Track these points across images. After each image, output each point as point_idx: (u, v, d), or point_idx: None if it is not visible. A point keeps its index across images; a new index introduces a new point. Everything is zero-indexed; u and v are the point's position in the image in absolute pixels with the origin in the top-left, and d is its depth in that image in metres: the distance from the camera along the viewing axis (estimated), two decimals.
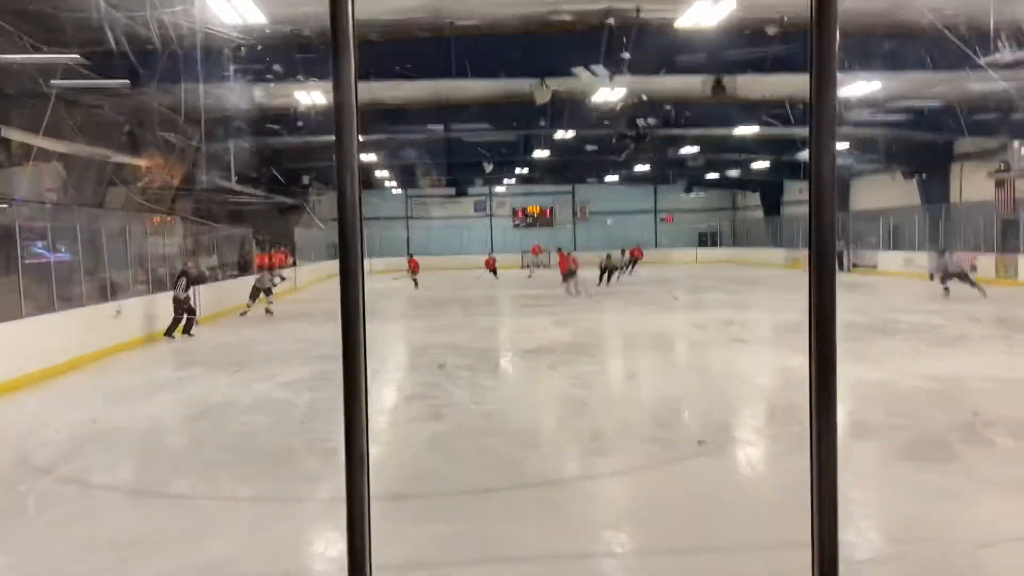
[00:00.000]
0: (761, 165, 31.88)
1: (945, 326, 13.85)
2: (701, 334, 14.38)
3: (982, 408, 7.67)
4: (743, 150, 27.67)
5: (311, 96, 15.45)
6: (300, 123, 18.63)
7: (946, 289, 18.32)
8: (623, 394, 9.44)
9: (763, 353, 12.25)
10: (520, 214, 44.40)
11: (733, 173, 35.23)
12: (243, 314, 18.71)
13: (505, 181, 39.82)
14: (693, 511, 5.17)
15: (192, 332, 15.07)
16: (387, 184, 38.01)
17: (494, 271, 30.10)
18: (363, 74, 13.98)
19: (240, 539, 4.90)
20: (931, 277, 19.46)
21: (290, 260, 29.30)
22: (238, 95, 15.77)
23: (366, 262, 1.46)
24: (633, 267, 30.03)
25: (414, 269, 27.85)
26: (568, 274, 21.82)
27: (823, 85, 1.70)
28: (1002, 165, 24.03)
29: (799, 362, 9.42)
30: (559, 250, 26.66)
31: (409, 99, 19.10)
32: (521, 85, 16.24)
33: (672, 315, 17.65)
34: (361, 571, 1.64)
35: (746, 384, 9.62)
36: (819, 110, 1.71)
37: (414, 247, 40.87)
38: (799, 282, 21.33)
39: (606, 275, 24.81)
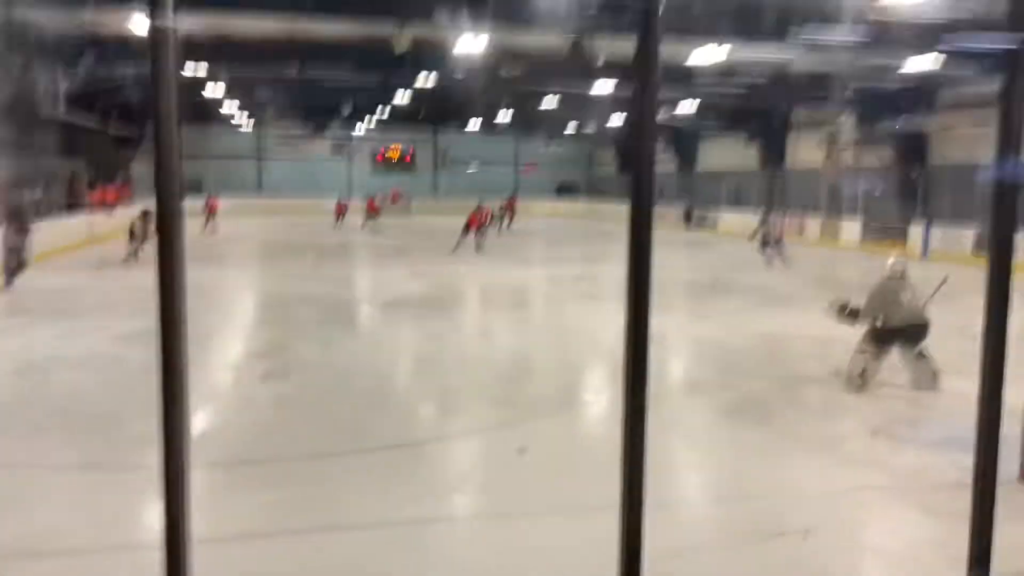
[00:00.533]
0: (617, 124, 32.73)
1: (776, 287, 14.93)
2: (555, 289, 14.78)
3: (801, 365, 8.40)
4: (599, 108, 28.25)
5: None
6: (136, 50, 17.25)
7: (767, 259, 18.38)
8: (475, 352, 9.58)
9: (612, 310, 12.75)
10: (380, 157, 43.44)
11: (590, 128, 35.99)
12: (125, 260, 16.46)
13: (365, 124, 38.75)
14: (540, 472, 5.38)
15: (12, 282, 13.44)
16: (237, 121, 36.07)
17: (341, 216, 29.22)
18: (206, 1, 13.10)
19: (64, 509, 4.64)
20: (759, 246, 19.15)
21: (127, 196, 27.30)
22: (69, 18, 14.37)
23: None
24: (511, 221, 29.47)
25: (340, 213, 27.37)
26: (478, 229, 20.54)
27: (646, 51, 1.81)
28: (831, 134, 25.93)
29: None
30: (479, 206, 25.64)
31: (263, 35, 18.07)
32: (382, 29, 15.75)
33: (528, 269, 18.00)
34: (177, 547, 1.60)
35: (594, 342, 10.00)
36: (642, 77, 1.82)
37: (266, 187, 39.23)
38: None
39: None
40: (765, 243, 18.59)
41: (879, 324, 7.15)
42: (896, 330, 7.12)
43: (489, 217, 21.09)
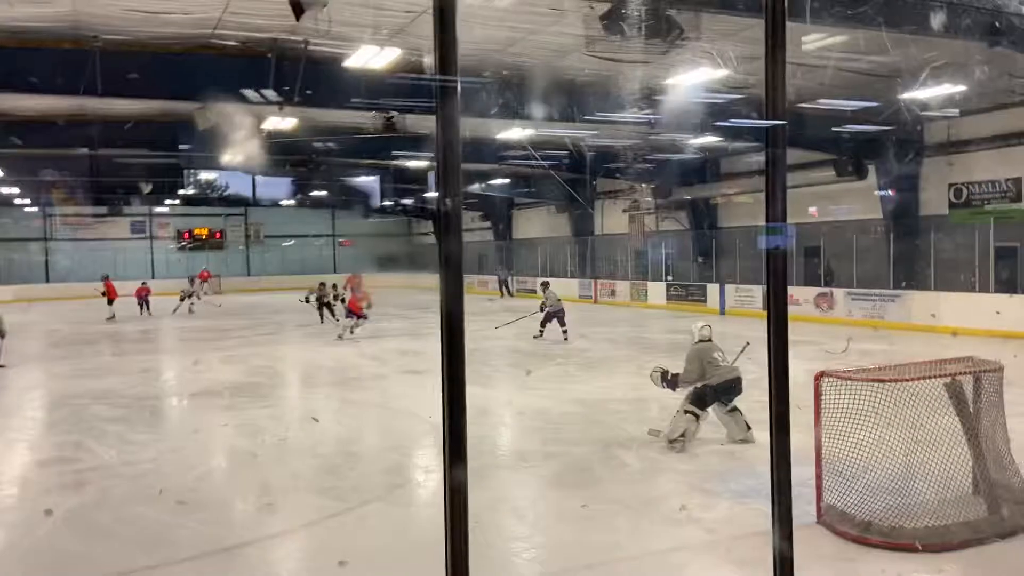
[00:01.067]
0: (433, 194, 33.30)
1: (591, 349, 15.54)
2: (378, 366, 14.50)
3: (620, 428, 8.72)
4: (416, 180, 28.70)
5: None
6: None
7: (541, 332, 16.85)
8: (295, 440, 9.13)
9: (437, 384, 12.67)
10: (187, 236, 41.28)
11: (407, 201, 36.37)
12: None
13: (167, 201, 36.83)
14: (367, 565, 5.14)
15: None
16: (19, 202, 33.09)
17: (145, 302, 26.51)
18: None
19: None
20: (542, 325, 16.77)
21: None
22: None
23: None
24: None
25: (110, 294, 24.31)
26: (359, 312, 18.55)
27: (447, 126, 1.85)
28: (633, 202, 27.83)
29: (471, 391, 9.93)
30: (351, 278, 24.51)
31: (48, 111, 16.85)
32: (183, 106, 15.17)
33: (350, 347, 17.58)
34: None
35: (420, 419, 9.84)
36: (444, 148, 1.84)
37: (55, 273, 36.01)
38: (469, 307, 22.51)
39: (326, 308, 21.38)
40: (548, 319, 16.91)
41: (699, 386, 7.60)
42: (716, 388, 7.60)
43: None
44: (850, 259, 20.11)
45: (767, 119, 2.39)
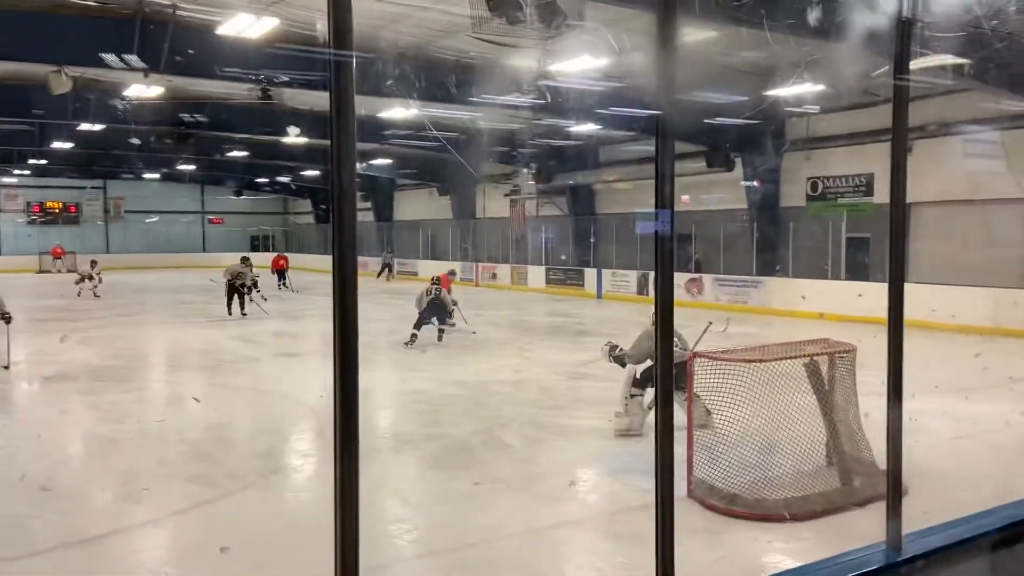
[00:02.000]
0: (312, 172, 32.39)
1: (474, 332, 15.59)
2: (251, 349, 14.01)
3: (501, 409, 8.82)
4: (293, 157, 27.79)
5: None
6: None
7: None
8: (161, 425, 8.68)
9: (315, 367, 12.39)
10: (37, 208, 38.33)
11: (284, 179, 35.20)
12: None
13: (16, 171, 34.04)
14: (242, 553, 4.96)
15: None
16: None
17: None
18: None
19: None
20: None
21: None
22: None
23: None
24: (282, 279, 25.90)
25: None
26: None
27: (342, 104, 1.79)
28: (515, 187, 28.07)
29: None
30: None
31: None
32: (35, 69, 14.02)
33: (221, 329, 16.88)
34: None
35: (297, 402, 9.60)
36: (338, 126, 1.78)
37: None
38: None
39: (237, 295, 17.74)
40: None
41: (645, 367, 7.48)
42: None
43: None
44: (718, 247, 21.11)
45: (656, 109, 2.46)
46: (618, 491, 6.05)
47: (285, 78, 13.92)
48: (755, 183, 20.06)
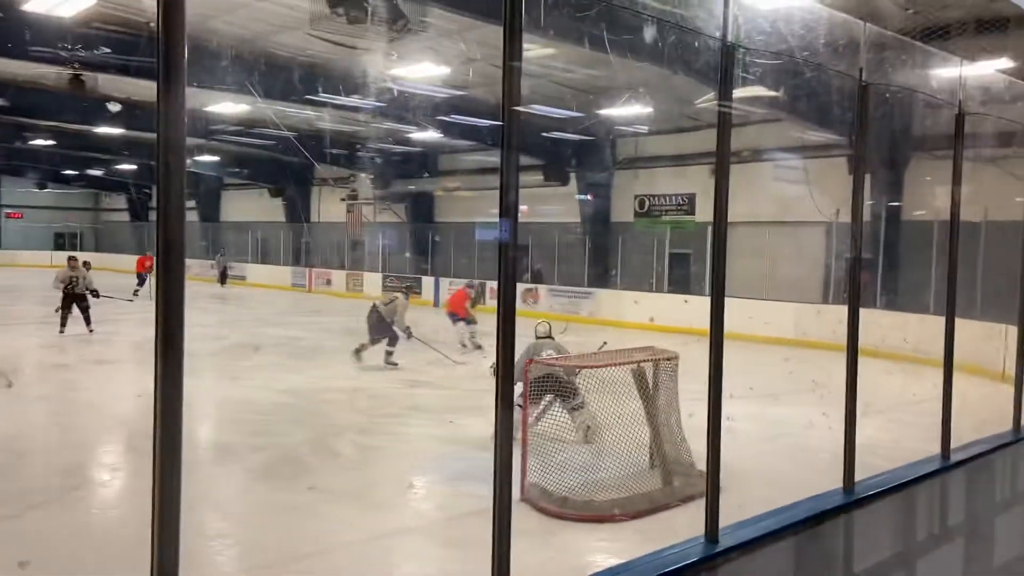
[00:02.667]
0: (128, 167, 30.19)
1: (304, 338, 15.10)
2: (57, 356, 12.79)
3: (333, 418, 8.56)
4: (107, 149, 25.76)
5: None
6: None
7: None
8: None
9: (128, 374, 11.49)
10: None
11: (96, 172, 32.56)
12: None
13: None
14: (35, 573, 4.48)
15: None
16: None
17: None
18: None
19: None
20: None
21: None
22: None
23: None
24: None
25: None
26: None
27: (171, 93, 1.66)
28: (352, 191, 27.52)
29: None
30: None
31: None
32: None
33: (21, 336, 15.30)
34: None
35: (106, 413, 8.84)
36: (166, 117, 1.64)
37: None
38: None
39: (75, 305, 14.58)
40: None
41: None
42: (541, 380, 7.14)
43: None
44: (552, 258, 21.74)
45: (503, 120, 2.48)
46: (452, 498, 6.03)
47: (101, 62, 12.86)
48: (588, 197, 20.87)
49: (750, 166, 16.81)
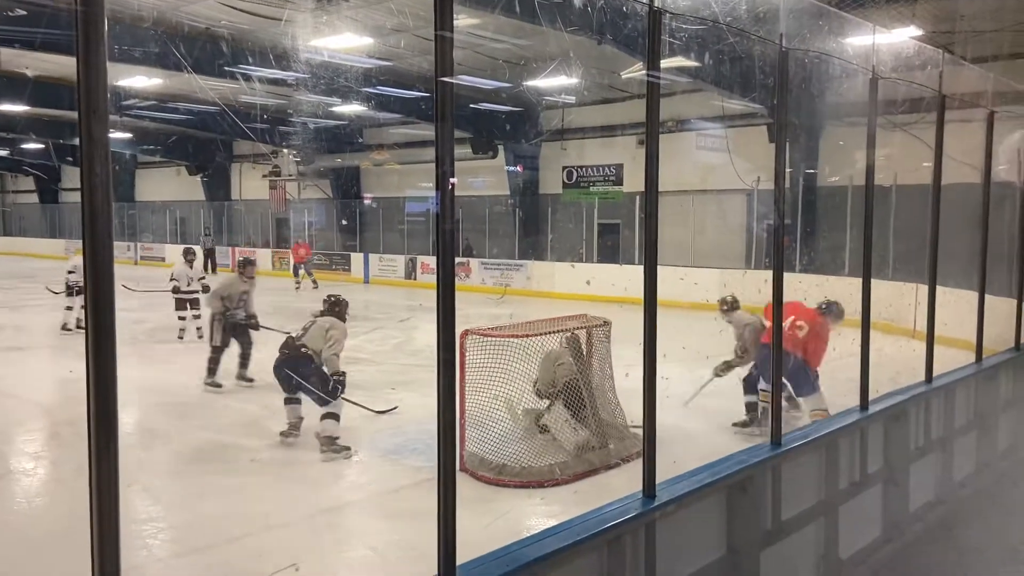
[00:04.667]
0: (35, 146, 28.70)
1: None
2: None
3: (268, 400, 8.42)
4: (11, 129, 24.43)
5: None
6: None
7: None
8: None
9: (45, 362, 11.03)
10: None
11: (1, 152, 30.89)
12: None
13: None
14: None
15: None
16: None
17: None
18: None
19: None
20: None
21: None
22: None
23: None
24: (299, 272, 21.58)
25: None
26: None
27: (91, 71, 1.59)
28: (274, 167, 26.83)
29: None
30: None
31: None
32: None
33: None
34: None
35: (24, 399, 8.49)
36: (87, 93, 1.58)
37: None
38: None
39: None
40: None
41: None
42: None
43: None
44: (483, 231, 21.73)
45: (435, 92, 2.47)
46: (390, 471, 6.03)
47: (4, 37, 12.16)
48: (517, 170, 20.88)
49: (674, 136, 17.10)
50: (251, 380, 8.75)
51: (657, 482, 3.10)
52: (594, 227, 19.88)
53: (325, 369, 6.29)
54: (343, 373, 6.32)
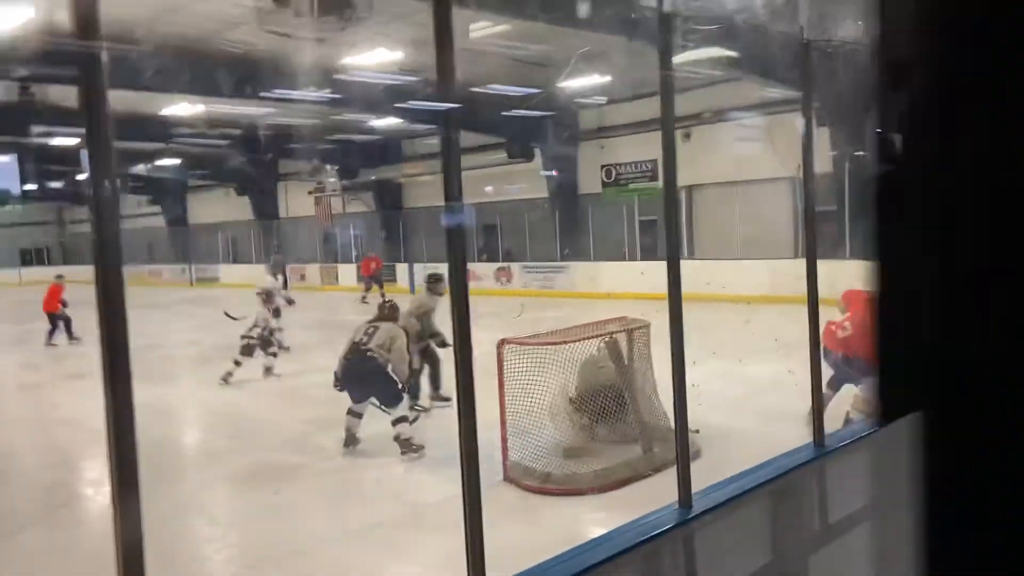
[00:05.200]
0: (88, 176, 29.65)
1: (285, 336, 15.00)
2: (33, 373, 12.66)
3: (314, 413, 8.56)
4: (65, 161, 25.29)
5: None
6: None
7: None
8: None
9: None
10: None
11: (57, 184, 32.02)
12: None
13: None
14: None
15: None
16: None
17: None
18: None
19: None
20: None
21: None
22: None
23: None
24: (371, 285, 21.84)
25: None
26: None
27: (92, 95, 1.62)
28: (318, 184, 27.30)
29: (151, 391, 9.05)
30: None
31: None
32: None
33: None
34: None
35: (87, 428, 8.76)
36: (91, 123, 1.61)
37: None
38: (149, 299, 20.51)
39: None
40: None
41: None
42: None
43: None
44: (523, 235, 21.76)
45: (441, 103, 2.47)
46: (434, 483, 6.07)
47: (47, 75, 12.62)
48: (554, 172, 20.86)
49: (712, 127, 16.88)
50: (447, 399, 7.95)
51: (697, 489, 3.06)
52: (635, 225, 19.75)
53: (393, 375, 6.65)
54: (412, 377, 6.91)
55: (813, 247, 3.90)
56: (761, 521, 3.34)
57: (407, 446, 6.55)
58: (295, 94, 14.98)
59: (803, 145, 3.80)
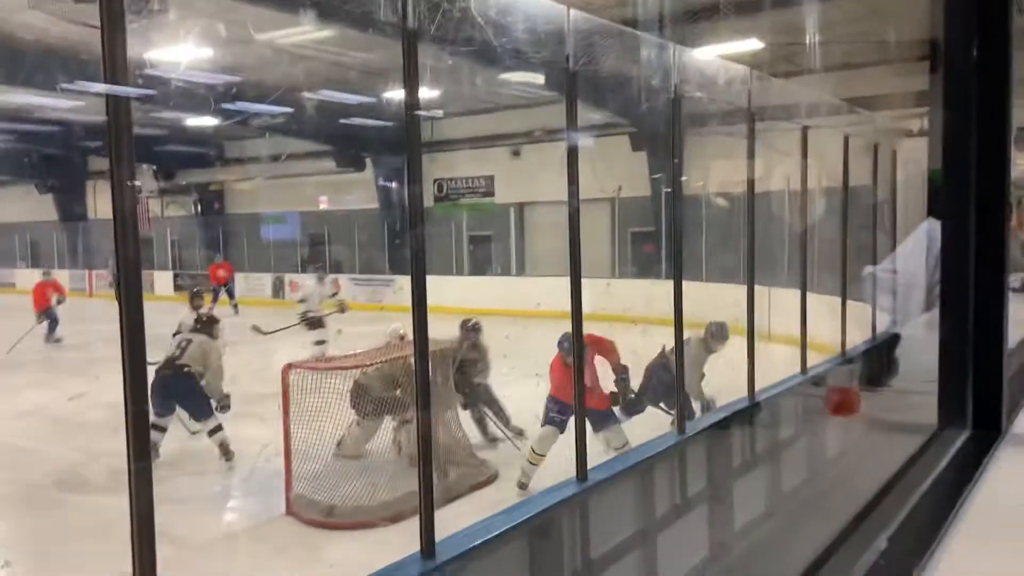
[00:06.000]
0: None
1: (79, 349, 13.73)
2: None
3: (94, 440, 7.75)
4: None
5: None
6: None
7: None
8: None
9: None
10: None
11: None
12: None
13: None
14: None
15: None
16: None
17: None
18: None
19: None
20: None
21: None
22: None
23: None
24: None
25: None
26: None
27: None
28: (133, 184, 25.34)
29: None
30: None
31: None
32: None
33: None
34: None
35: None
36: None
37: None
38: None
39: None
40: None
41: None
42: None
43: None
44: (352, 246, 21.19)
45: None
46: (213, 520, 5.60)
47: None
48: (385, 183, 20.48)
49: (545, 146, 17.17)
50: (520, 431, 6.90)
51: (451, 532, 2.88)
52: (463, 239, 19.73)
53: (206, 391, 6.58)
54: (227, 396, 6.70)
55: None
56: (520, 563, 3.22)
57: (226, 451, 6.53)
58: (97, 87, 13.73)
59: (568, 177, 3.73)
